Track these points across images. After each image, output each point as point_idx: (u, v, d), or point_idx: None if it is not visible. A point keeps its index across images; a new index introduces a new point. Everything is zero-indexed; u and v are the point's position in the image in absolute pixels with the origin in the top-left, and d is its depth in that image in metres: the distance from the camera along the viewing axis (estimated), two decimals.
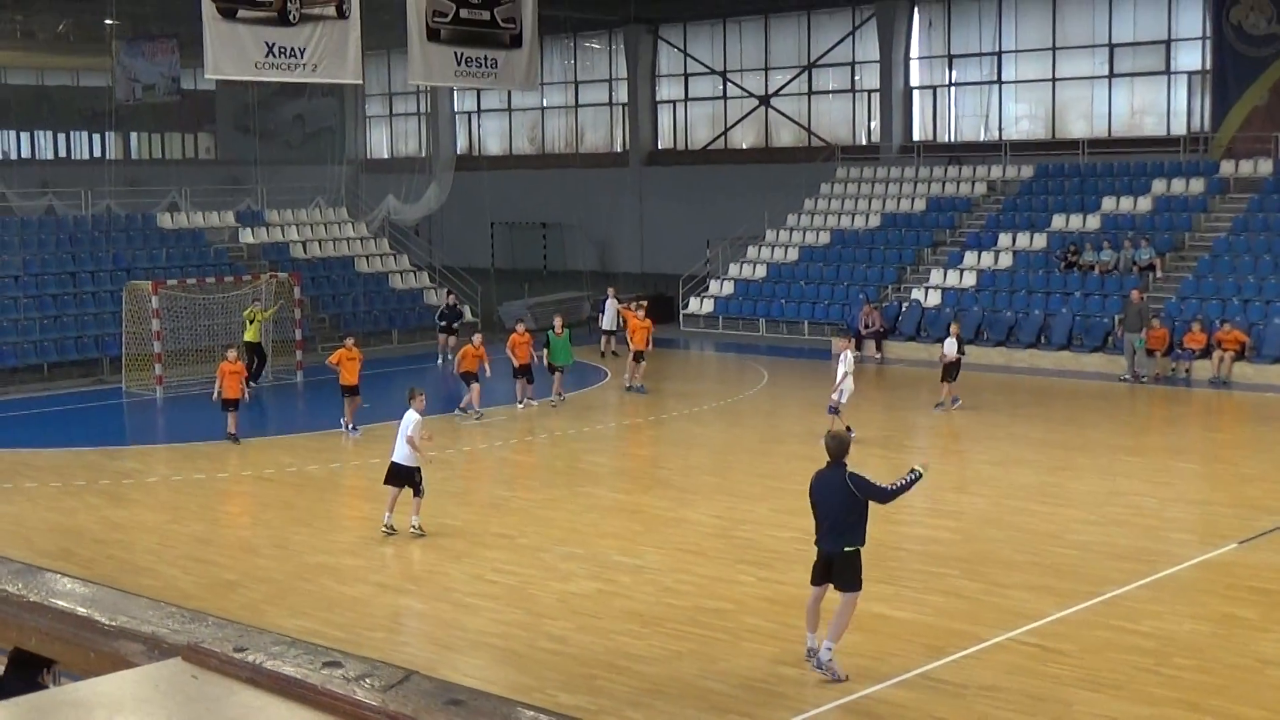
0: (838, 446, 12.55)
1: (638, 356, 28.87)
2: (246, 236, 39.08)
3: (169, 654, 3.45)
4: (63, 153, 59.60)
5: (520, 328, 27.59)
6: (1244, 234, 34.62)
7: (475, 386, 25.70)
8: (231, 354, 24.27)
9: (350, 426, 24.29)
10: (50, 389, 30.45)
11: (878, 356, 34.52)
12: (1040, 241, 37.23)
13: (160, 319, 30.03)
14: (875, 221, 41.45)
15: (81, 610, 3.81)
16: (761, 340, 37.82)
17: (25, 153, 59.15)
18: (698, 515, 18.29)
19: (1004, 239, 37.93)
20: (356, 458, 22.71)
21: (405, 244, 43.02)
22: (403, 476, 17.17)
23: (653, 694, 11.85)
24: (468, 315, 35.66)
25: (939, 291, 36.70)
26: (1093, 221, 37.25)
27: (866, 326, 35.12)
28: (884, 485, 12.49)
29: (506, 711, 3.10)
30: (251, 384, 26.63)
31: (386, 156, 58.42)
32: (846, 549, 12.17)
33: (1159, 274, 34.36)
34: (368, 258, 40.78)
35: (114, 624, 3.68)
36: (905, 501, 19.24)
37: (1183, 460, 22.19)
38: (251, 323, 29.55)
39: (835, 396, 22.83)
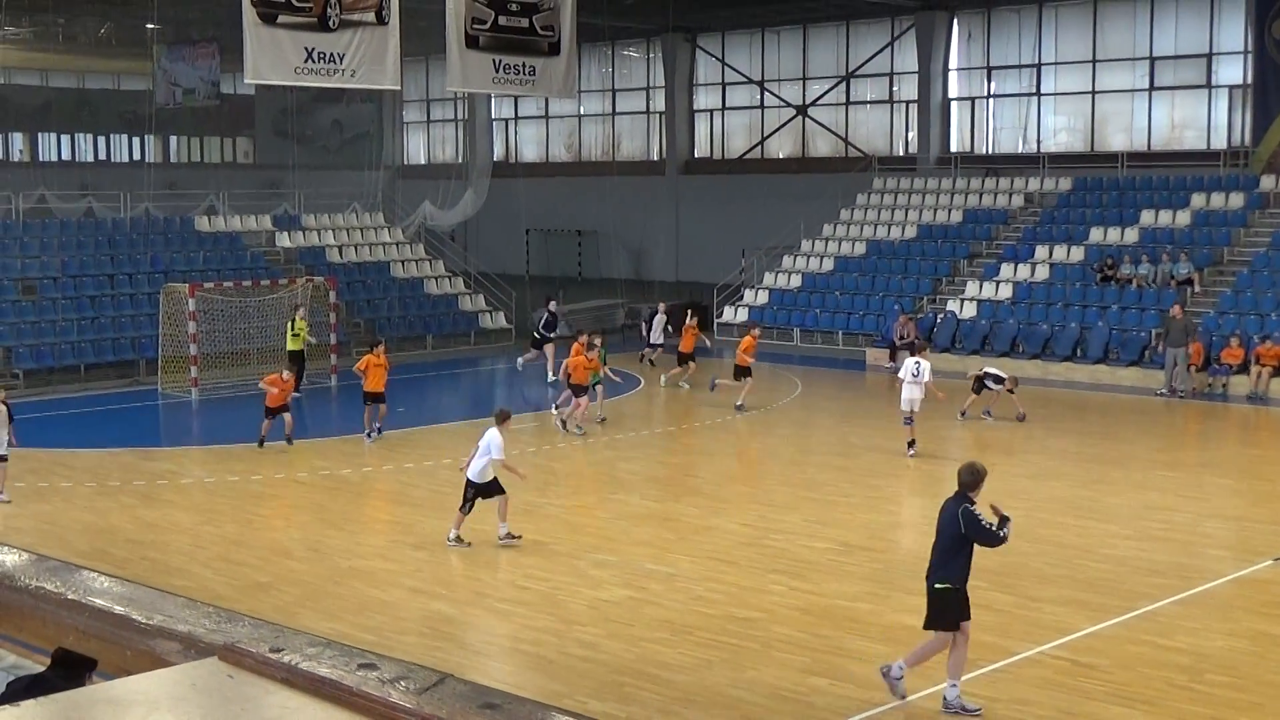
0: (969, 477, 11.60)
1: (683, 360, 29.92)
2: (283, 240, 39.29)
3: (205, 653, 3.48)
4: (102, 155, 60.05)
5: (583, 339, 26.40)
6: None
7: (583, 400, 25.13)
8: (286, 374, 24.26)
9: (375, 431, 24.29)
10: (87, 389, 30.67)
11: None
12: (1078, 254, 37.05)
13: (196, 321, 30.22)
14: (911, 233, 41.32)
15: (119, 609, 3.84)
16: (795, 350, 37.76)
17: (65, 155, 59.62)
18: (729, 524, 18.28)
19: (1041, 251, 37.76)
20: (389, 462, 22.79)
21: (441, 250, 43.15)
22: (486, 490, 17.08)
23: (682, 702, 11.84)
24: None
25: (975, 304, 36.56)
26: (1131, 235, 37.04)
27: (901, 338, 35.02)
28: (996, 530, 11.44)
29: (541, 716, 3.11)
30: (296, 393, 26.68)
31: (423, 162, 58.64)
32: (938, 585, 11.51)
33: (1197, 288, 34.12)
34: (403, 263, 40.93)
35: (150, 623, 3.71)
36: (929, 513, 19.23)
37: (1219, 476, 22.03)
38: (297, 335, 29.55)
39: (909, 408, 22.71)
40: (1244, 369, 29.71)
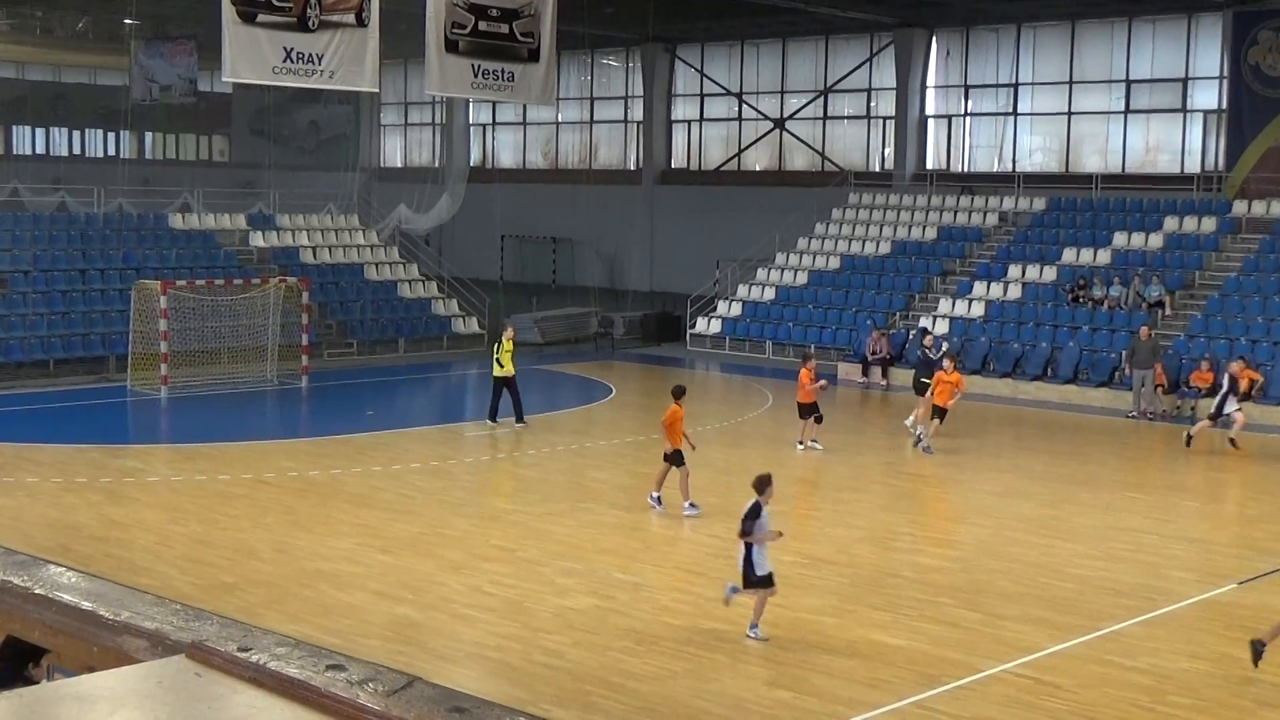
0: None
1: (939, 414, 24.94)
2: (257, 240, 39.16)
3: (172, 651, 3.46)
4: (77, 150, 59.76)
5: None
6: (1255, 274, 34.61)
7: (808, 421, 24.41)
8: None
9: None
10: (56, 385, 30.51)
11: (883, 383, 34.55)
12: (1050, 274, 37.23)
13: (168, 319, 30.09)
14: (886, 249, 41.47)
15: (86, 604, 3.82)
16: (767, 363, 37.82)
17: (40, 149, 59.31)
18: (698, 535, 18.29)
19: (1014, 270, 37.95)
20: (357, 464, 22.71)
21: (415, 253, 43.09)
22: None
23: (646, 712, 11.84)
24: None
25: (947, 320, 36.69)
26: (1103, 256, 37.26)
27: (874, 353, 35.15)
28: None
29: None
30: None
31: (400, 165, 58.54)
32: None
33: (1168, 311, 34.34)
34: (377, 265, 40.85)
35: (118, 619, 3.69)
36: (904, 529, 19.31)
37: (1185, 498, 22.17)
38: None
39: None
40: (1213, 392, 29.87)
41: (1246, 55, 38.81)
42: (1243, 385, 27.09)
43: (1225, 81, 39.54)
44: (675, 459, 19.56)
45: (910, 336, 35.86)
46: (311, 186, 42.75)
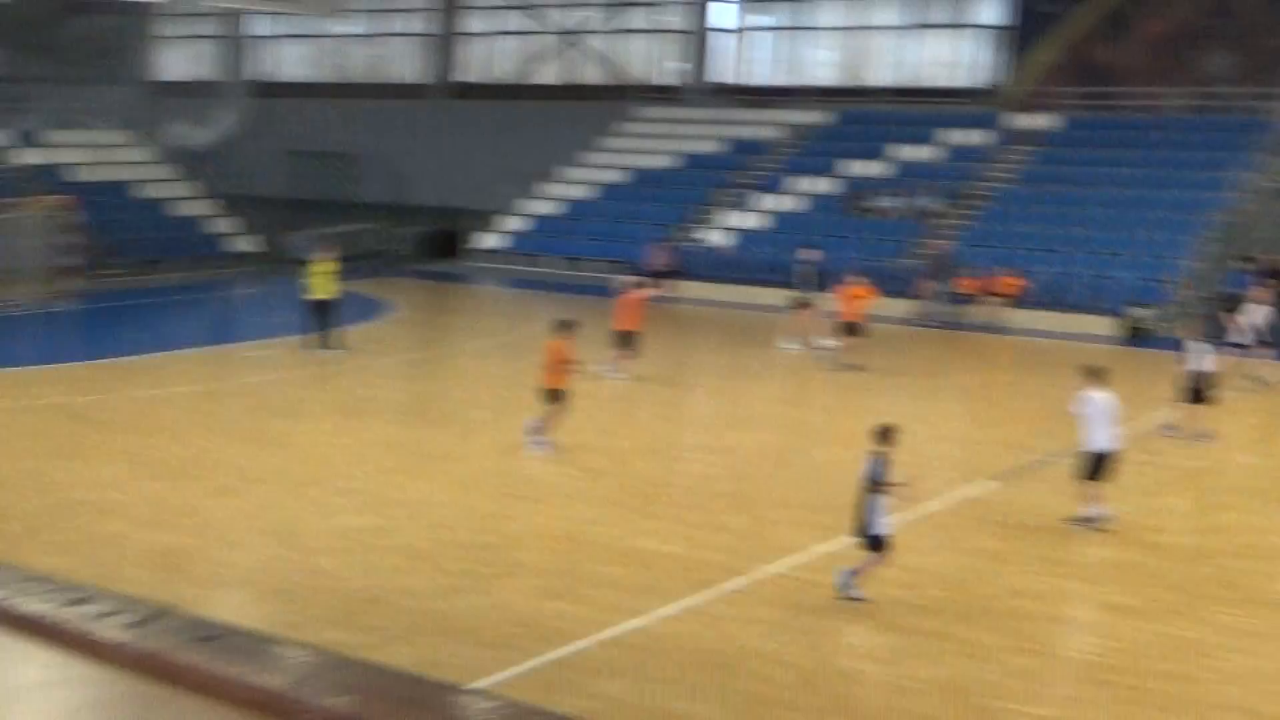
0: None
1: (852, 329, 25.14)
2: (22, 157, 37.41)
3: None
4: None
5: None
6: (1029, 185, 35.66)
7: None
8: None
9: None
10: None
11: (667, 294, 34.77)
12: (833, 186, 37.80)
13: None
14: (674, 161, 41.59)
15: None
16: (553, 276, 37.74)
17: None
18: (474, 450, 18.18)
19: (798, 182, 38.41)
20: (126, 389, 21.96)
21: (194, 171, 41.73)
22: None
23: (421, 629, 11.74)
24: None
25: (732, 232, 37.03)
26: (885, 168, 37.94)
27: (657, 265, 35.34)
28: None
29: (260, 647, 2.96)
30: None
31: (179, 80, 56.45)
32: None
33: (945, 221, 35.21)
34: (151, 183, 39.43)
35: None
36: (678, 439, 19.50)
37: (949, 401, 22.81)
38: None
39: None
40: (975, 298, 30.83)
41: None
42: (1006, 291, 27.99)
43: None
44: (553, 397, 17.83)
45: (696, 249, 36.08)
46: (82, 101, 40.98)
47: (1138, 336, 29.44)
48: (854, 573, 12.42)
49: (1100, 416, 14.41)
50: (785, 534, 14.51)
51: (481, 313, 31.56)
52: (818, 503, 15.77)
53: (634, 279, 25.74)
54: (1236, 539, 14.66)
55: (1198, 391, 19.28)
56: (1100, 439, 14.41)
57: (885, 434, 12.59)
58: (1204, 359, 19.34)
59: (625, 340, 23.23)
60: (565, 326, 18.06)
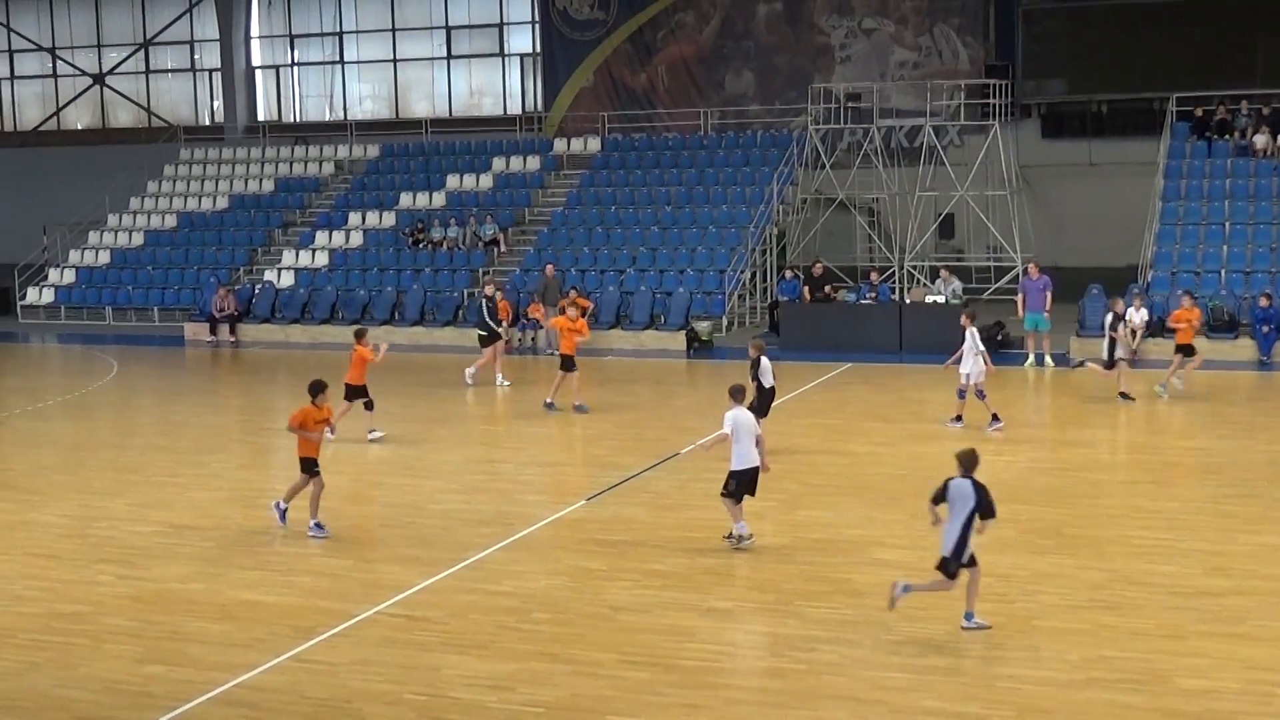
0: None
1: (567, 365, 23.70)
2: None
3: None
4: None
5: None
6: (578, 207, 36.89)
7: None
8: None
9: None
10: None
11: (232, 340, 33.98)
12: (389, 220, 37.91)
13: None
14: (224, 203, 40.63)
15: None
16: (109, 330, 36.11)
17: None
18: (47, 517, 17.21)
19: (354, 218, 38.32)
20: None
21: None
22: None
23: (5, 710, 11.07)
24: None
25: (292, 272, 36.50)
26: (439, 199, 38.37)
27: (220, 310, 34.44)
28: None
29: None
30: None
31: None
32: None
33: (503, 248, 35.93)
34: None
35: None
36: (267, 486, 19.04)
37: (535, 425, 23.28)
38: None
39: (966, 379, 20.98)
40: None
41: (555, 0, 41.12)
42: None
43: (537, 26, 41.72)
44: (306, 467, 16.08)
45: (257, 291, 35.36)
46: None
47: (702, 348, 30.72)
48: (969, 614, 12.26)
49: (745, 434, 14.78)
50: (386, 572, 14.50)
51: (38, 372, 29.78)
52: (413, 537, 15.84)
53: None
54: (816, 535, 15.66)
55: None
56: (746, 456, 14.75)
57: (971, 461, 12.17)
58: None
59: None
60: (316, 388, 16.14)
